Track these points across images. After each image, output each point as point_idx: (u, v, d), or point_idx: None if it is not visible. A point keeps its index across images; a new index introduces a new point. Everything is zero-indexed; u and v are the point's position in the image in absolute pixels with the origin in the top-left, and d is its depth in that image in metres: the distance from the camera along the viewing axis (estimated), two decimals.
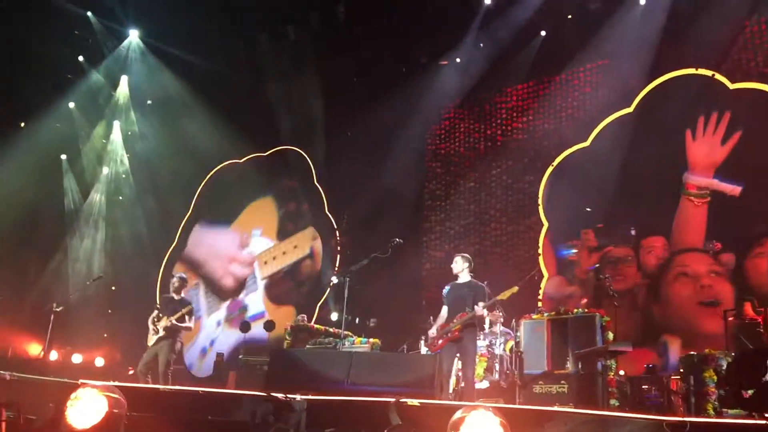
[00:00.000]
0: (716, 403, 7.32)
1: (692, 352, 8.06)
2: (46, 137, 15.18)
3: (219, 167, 17.33)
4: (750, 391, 5.92)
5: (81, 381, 4.40)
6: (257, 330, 13.76)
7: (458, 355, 7.86)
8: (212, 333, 16.26)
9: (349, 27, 13.91)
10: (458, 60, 13.71)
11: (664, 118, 11.57)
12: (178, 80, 15.54)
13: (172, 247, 17.26)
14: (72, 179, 16.31)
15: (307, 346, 10.37)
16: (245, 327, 13.41)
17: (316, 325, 11.44)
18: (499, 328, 9.62)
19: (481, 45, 13.43)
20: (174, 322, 9.26)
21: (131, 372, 12.49)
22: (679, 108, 11.39)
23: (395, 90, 13.82)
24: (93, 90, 15.92)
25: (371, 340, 10.25)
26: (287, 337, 11.00)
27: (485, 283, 8.21)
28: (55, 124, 15.53)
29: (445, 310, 8.08)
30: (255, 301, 16.12)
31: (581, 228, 12.06)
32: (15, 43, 13.55)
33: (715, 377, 7.46)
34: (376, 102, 13.92)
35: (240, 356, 11.84)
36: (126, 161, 16.94)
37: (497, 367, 9.21)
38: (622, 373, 8.53)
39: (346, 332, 9.60)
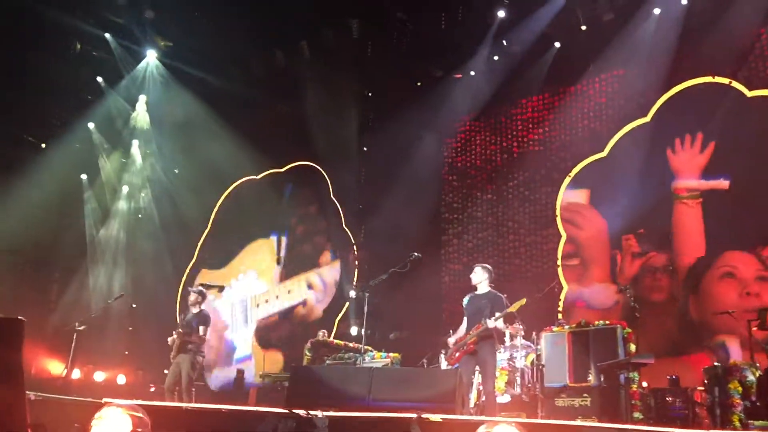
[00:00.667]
0: (742, 414, 7.23)
1: (716, 363, 7.96)
2: (67, 158, 15.35)
3: (237, 183, 17.44)
4: None
5: (105, 400, 4.42)
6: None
7: (478, 368, 7.78)
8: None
9: (364, 42, 13.99)
10: (473, 73, 13.74)
11: (680, 127, 11.53)
12: (195, 98, 15.67)
13: (191, 263, 17.36)
14: (92, 198, 16.47)
15: (327, 362, 10.38)
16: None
17: (335, 341, 11.44)
18: (519, 341, 9.55)
19: (496, 57, 13.47)
20: (186, 337, 9.19)
21: (153, 389, 12.55)
22: (697, 116, 11.36)
23: (410, 104, 13.89)
24: (112, 110, 16.11)
25: (391, 354, 10.23)
26: (307, 353, 11.02)
27: (505, 295, 8.12)
28: (75, 145, 15.72)
29: (465, 321, 7.93)
30: (243, 341, 16.35)
31: (622, 234, 11.86)
32: (35, 65, 13.74)
33: (740, 388, 7.36)
34: (392, 116, 13.99)
35: (260, 373, 11.86)
36: (145, 179, 17.10)
37: (518, 380, 9.13)
38: (645, 385, 8.44)
39: (366, 347, 9.58)
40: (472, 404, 8.12)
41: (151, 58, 15.56)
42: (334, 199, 15.61)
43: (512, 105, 13.91)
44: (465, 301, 8.03)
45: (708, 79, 11.40)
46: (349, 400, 6.08)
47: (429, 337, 11.49)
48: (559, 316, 11.51)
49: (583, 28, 12.50)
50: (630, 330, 8.64)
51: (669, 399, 8.21)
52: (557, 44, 12.92)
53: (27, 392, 5.04)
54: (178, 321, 9.62)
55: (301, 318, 15.53)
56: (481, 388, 8.07)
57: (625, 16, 11.97)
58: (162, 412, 4.94)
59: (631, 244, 11.76)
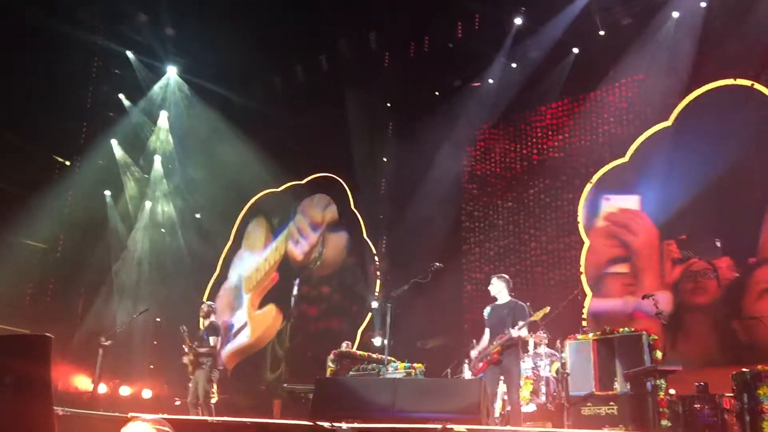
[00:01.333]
0: None
1: (744, 369, 7.83)
2: (90, 174, 15.55)
3: (258, 196, 17.55)
4: None
5: (131, 414, 4.47)
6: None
7: (502, 377, 7.72)
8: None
9: (382, 54, 14.06)
10: (491, 81, 13.72)
11: (706, 130, 11.39)
12: (215, 113, 15.86)
13: (214, 277, 17.47)
14: (116, 215, 16.65)
15: (351, 373, 10.36)
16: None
17: (359, 351, 11.43)
18: (543, 349, 9.47)
19: (514, 65, 13.47)
20: (197, 350, 9.27)
21: (178, 403, 12.63)
22: (720, 119, 11.23)
23: (430, 114, 13.92)
24: (134, 126, 16.33)
25: (415, 365, 10.19)
26: (331, 365, 11.01)
27: (527, 303, 8.07)
28: (98, 161, 15.92)
29: (486, 332, 7.89)
30: (239, 316, 16.83)
31: (664, 239, 11.68)
32: (58, 82, 13.99)
33: None
34: (411, 127, 14.03)
35: (284, 384, 11.88)
36: (167, 194, 17.27)
37: (543, 389, 9.05)
38: (672, 392, 8.33)
39: (389, 357, 9.56)
40: (497, 414, 8.07)
41: (171, 75, 15.77)
42: (355, 210, 15.64)
43: (531, 112, 13.87)
44: (486, 312, 8.00)
45: (729, 81, 11.30)
46: (373, 411, 6.06)
47: (452, 346, 11.45)
48: (584, 323, 11.42)
49: (602, 33, 12.46)
50: (656, 336, 8.54)
51: (697, 406, 8.08)
52: (575, 50, 12.87)
53: (55, 407, 5.10)
54: (188, 339, 9.66)
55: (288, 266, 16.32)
56: (505, 397, 8.03)
57: (643, 21, 11.92)
58: (188, 426, 4.97)
59: (671, 249, 11.52)
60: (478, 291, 13.23)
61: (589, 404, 8.55)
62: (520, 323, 7.50)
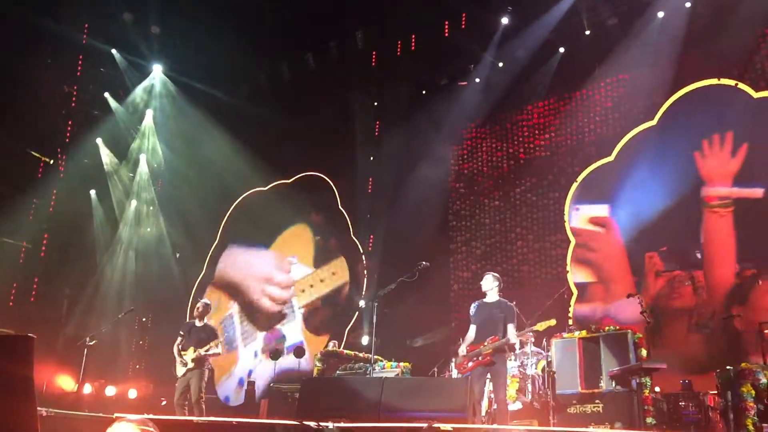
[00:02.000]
0: (755, 418, 7.16)
1: (728, 367, 7.89)
2: (75, 173, 15.44)
3: (244, 195, 17.47)
4: None
5: (116, 415, 4.44)
6: (292, 358, 13.68)
7: (489, 376, 7.72)
8: (249, 364, 16.18)
9: (369, 52, 14.04)
10: (478, 80, 13.77)
11: (687, 130, 11.48)
12: (200, 111, 15.78)
13: (200, 276, 17.39)
14: (101, 214, 16.53)
15: (338, 372, 10.36)
16: (275, 355, 13.39)
17: (345, 351, 11.42)
18: (529, 348, 9.51)
19: (500, 64, 13.51)
20: (202, 353, 9.16)
21: (164, 403, 12.55)
22: (704, 118, 11.32)
23: (416, 112, 13.92)
24: (119, 125, 16.22)
25: (401, 363, 10.19)
26: (317, 364, 11.01)
27: (514, 302, 8.09)
28: (83, 160, 15.80)
29: (473, 329, 7.87)
30: (293, 330, 15.94)
31: (645, 251, 11.60)
32: (44, 81, 13.88)
33: (753, 392, 7.29)
34: (398, 125, 14.01)
35: (271, 384, 11.84)
36: (153, 193, 17.17)
37: (529, 387, 9.09)
38: (657, 390, 8.39)
39: (376, 356, 9.55)
40: (483, 412, 8.08)
41: (157, 73, 15.68)
42: (342, 209, 15.62)
43: (518, 111, 13.90)
44: (473, 308, 8.00)
45: (714, 81, 11.38)
46: (360, 411, 6.06)
47: (439, 344, 11.46)
48: (570, 322, 11.46)
49: (588, 33, 12.54)
50: (641, 335, 8.59)
51: (682, 404, 8.17)
52: (562, 49, 12.94)
53: (39, 408, 5.06)
54: (181, 331, 9.48)
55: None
56: (492, 396, 8.04)
57: (628, 21, 12.00)
58: (173, 426, 4.95)
59: (654, 262, 11.50)
60: (465, 289, 13.27)
61: (575, 402, 8.58)
62: (513, 328, 7.55)
